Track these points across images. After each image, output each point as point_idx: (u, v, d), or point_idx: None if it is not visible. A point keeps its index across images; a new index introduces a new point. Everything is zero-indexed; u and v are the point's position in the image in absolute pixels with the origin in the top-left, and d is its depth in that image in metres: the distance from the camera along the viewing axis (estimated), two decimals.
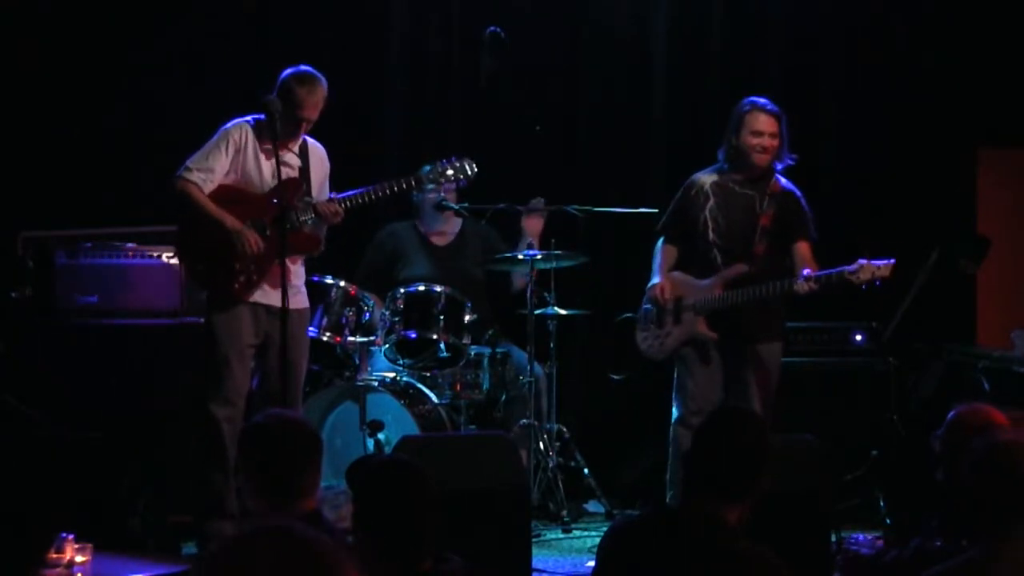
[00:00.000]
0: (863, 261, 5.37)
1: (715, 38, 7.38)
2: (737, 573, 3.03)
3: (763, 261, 5.66)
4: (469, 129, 7.11)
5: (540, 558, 5.45)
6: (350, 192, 5.49)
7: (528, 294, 6.29)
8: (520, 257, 6.32)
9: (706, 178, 5.81)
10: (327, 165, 5.59)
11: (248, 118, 5.43)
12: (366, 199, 5.50)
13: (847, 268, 5.39)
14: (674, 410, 5.76)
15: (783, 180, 5.77)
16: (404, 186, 5.58)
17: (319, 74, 5.40)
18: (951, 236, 6.52)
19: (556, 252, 6.33)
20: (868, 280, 5.37)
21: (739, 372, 5.68)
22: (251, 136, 5.40)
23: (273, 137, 5.23)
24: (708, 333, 5.68)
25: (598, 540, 3.37)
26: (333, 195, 5.48)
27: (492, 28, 6.59)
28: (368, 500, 3.01)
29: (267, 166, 5.39)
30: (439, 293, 6.22)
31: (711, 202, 5.75)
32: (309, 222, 5.44)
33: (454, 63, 7.28)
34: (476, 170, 5.70)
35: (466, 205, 6.62)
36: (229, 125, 5.41)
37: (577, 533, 6.13)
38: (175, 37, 6.91)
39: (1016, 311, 7.05)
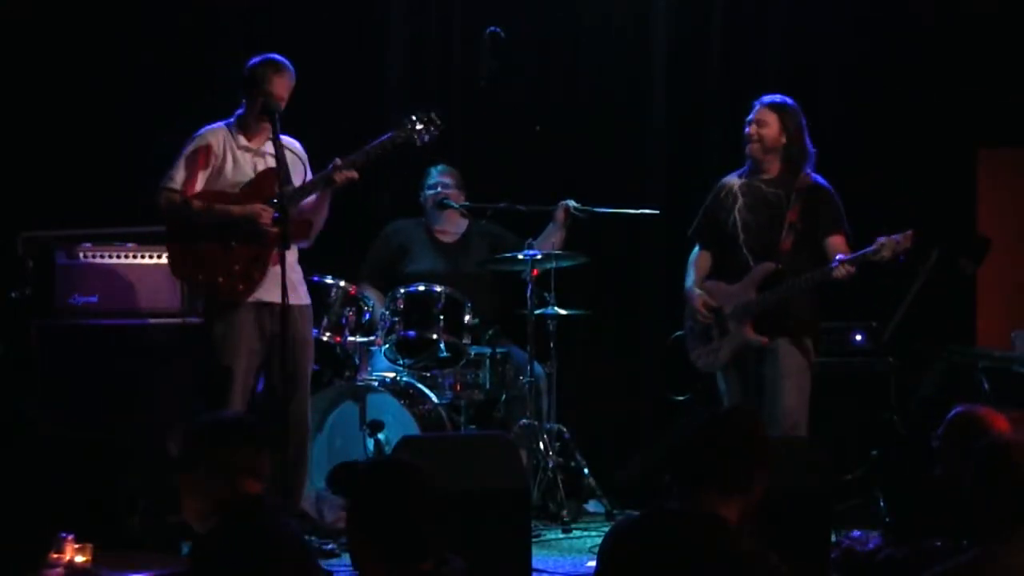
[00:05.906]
0: (882, 239, 5.34)
1: (715, 38, 7.37)
2: (738, 574, 3.03)
3: (790, 257, 5.55)
4: (469, 129, 7.11)
5: (540, 558, 5.44)
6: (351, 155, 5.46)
7: (528, 294, 6.30)
8: (520, 257, 6.32)
9: (735, 180, 5.76)
10: (303, 157, 5.59)
11: (218, 123, 5.49)
12: (371, 155, 5.46)
13: (868, 250, 5.36)
14: None
15: (813, 176, 5.66)
16: (399, 140, 5.53)
17: (285, 60, 5.46)
18: (951, 236, 6.52)
19: (556, 252, 6.34)
20: (892, 257, 5.32)
21: (768, 373, 5.57)
22: (225, 136, 5.44)
23: (274, 135, 5.27)
24: (758, 338, 5.56)
25: (598, 540, 3.36)
26: (337, 160, 5.44)
27: (492, 28, 6.58)
28: (367, 502, 3.00)
29: (246, 162, 5.44)
30: (439, 293, 6.22)
31: (740, 202, 5.68)
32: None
33: (454, 63, 7.28)
34: (440, 121, 5.60)
35: (467, 204, 6.64)
36: (199, 132, 5.48)
37: (577, 533, 6.12)
38: (175, 37, 6.91)
39: (1016, 311, 7.04)
